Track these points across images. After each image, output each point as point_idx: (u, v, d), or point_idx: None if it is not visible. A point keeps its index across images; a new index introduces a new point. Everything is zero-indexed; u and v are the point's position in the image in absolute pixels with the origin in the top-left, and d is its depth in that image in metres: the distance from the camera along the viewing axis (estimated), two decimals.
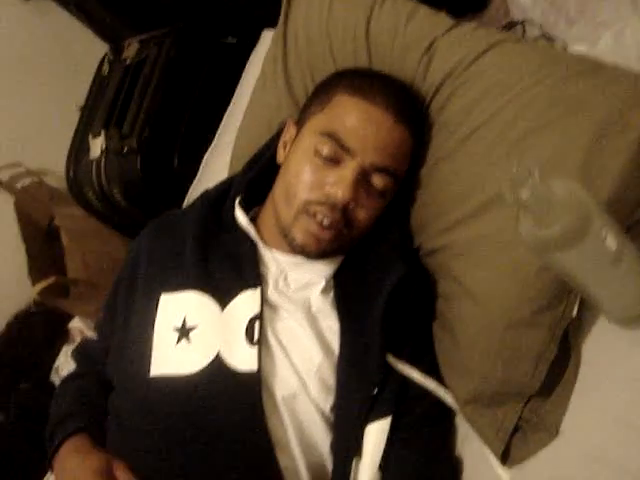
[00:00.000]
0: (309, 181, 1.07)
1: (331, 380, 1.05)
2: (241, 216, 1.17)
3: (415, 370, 1.06)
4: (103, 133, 1.72)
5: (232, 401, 1.01)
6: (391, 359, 1.05)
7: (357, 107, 1.07)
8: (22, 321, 2.20)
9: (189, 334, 1.06)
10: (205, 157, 1.57)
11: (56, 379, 2.08)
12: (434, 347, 1.11)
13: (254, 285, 1.08)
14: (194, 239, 1.16)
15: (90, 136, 1.75)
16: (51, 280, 1.83)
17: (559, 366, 0.95)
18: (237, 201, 1.19)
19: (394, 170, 1.08)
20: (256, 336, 1.03)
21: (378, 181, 1.07)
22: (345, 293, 1.12)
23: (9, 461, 1.95)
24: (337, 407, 1.05)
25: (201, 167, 1.57)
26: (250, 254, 1.13)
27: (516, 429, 0.98)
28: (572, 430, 0.94)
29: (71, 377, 1.31)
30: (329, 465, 1.05)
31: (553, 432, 0.95)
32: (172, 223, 1.25)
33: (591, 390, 0.94)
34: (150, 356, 1.06)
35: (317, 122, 1.10)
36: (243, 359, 1.02)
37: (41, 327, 2.16)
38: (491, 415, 0.99)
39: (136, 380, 1.07)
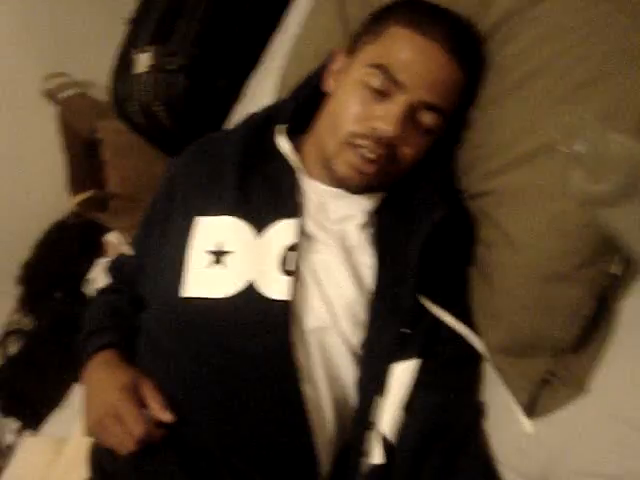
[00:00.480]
0: (356, 113, 1.04)
1: (362, 316, 1.05)
2: (284, 143, 1.15)
3: (447, 313, 1.06)
4: (150, 48, 1.69)
5: (262, 328, 1.01)
6: (424, 300, 1.04)
7: (411, 40, 1.03)
8: (59, 231, 2.23)
9: (223, 259, 1.06)
10: (251, 79, 1.54)
11: (88, 291, 2.12)
12: (469, 293, 1.09)
13: (292, 214, 1.07)
14: (234, 163, 1.14)
15: (136, 50, 1.72)
16: (90, 193, 1.84)
17: (595, 324, 0.93)
18: (281, 128, 1.17)
19: (443, 108, 1.05)
20: (291, 266, 1.03)
21: (426, 118, 1.04)
22: (383, 230, 1.10)
23: (38, 367, 2.01)
24: (366, 344, 1.05)
25: (246, 89, 1.54)
26: (290, 182, 1.12)
27: (544, 382, 0.97)
28: (601, 389, 0.92)
29: (105, 291, 1.32)
30: (353, 400, 1.05)
31: (582, 388, 0.94)
32: (213, 145, 1.24)
33: (625, 351, 0.92)
34: (184, 277, 1.07)
35: (369, 53, 1.07)
36: (276, 288, 1.02)
37: (77, 238, 2.19)
38: (520, 365, 0.99)
39: (168, 300, 1.08)
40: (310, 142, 1.16)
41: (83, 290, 2.14)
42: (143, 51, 1.68)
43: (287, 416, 1.01)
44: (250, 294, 1.02)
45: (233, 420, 1.01)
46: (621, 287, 0.94)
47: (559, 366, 0.96)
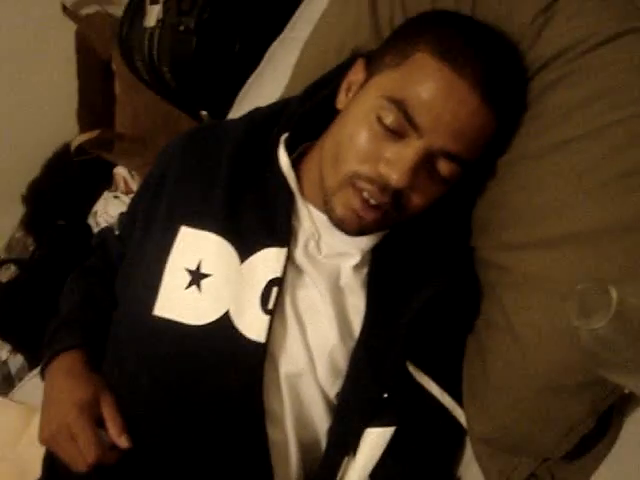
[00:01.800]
0: (363, 150, 0.89)
1: (342, 364, 0.96)
2: (284, 158, 1.01)
3: (434, 383, 0.95)
4: (162, 1, 1.51)
5: (233, 366, 0.93)
6: (411, 367, 0.94)
7: (439, 75, 0.86)
8: (69, 155, 2.12)
9: (201, 282, 0.96)
10: (271, 48, 1.37)
11: (92, 223, 2.05)
12: (461, 366, 0.99)
13: (281, 243, 0.95)
14: (228, 170, 1.01)
15: (148, 1, 1.54)
16: (96, 133, 1.71)
17: (591, 437, 0.83)
18: (283, 138, 1.03)
19: (466, 159, 0.89)
20: (271, 304, 0.92)
21: (444, 167, 0.89)
22: (380, 274, 0.98)
23: (32, 296, 1.96)
24: (342, 397, 0.96)
25: (265, 58, 1.38)
26: (285, 204, 0.99)
27: None
28: None
29: (87, 269, 1.23)
30: (322, 447, 0.98)
31: None
32: (210, 140, 1.09)
33: (620, 470, 0.82)
34: (157, 293, 0.97)
35: (388, 81, 0.90)
36: (253, 325, 0.92)
37: (86, 167, 2.08)
38: (502, 460, 0.89)
39: (138, 314, 0.99)
40: (314, 159, 1.02)
41: (88, 222, 2.06)
42: (155, 2, 1.50)
43: (249, 458, 0.94)
44: (224, 327, 0.93)
45: (191, 453, 0.94)
46: (628, 404, 0.83)
47: (545, 470, 0.87)
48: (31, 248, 2.14)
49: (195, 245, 0.98)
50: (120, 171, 2.05)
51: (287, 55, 1.30)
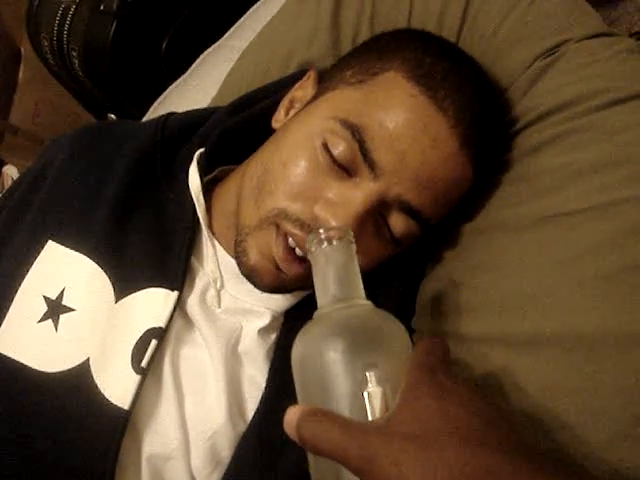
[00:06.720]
0: (298, 183, 0.69)
1: (226, 452, 0.73)
2: (194, 179, 0.80)
3: None
4: None
5: (80, 435, 0.69)
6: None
7: (413, 103, 0.67)
8: None
9: (60, 316, 0.73)
10: (203, 54, 1.16)
11: None
12: None
13: (172, 284, 0.74)
14: (122, 183, 0.79)
15: None
16: None
17: None
18: (196, 154, 0.82)
19: (427, 217, 0.70)
20: (145, 360, 0.70)
21: (398, 223, 0.70)
22: (291, 344, 0.77)
23: None
24: None
25: (194, 64, 1.16)
26: (185, 236, 0.78)
27: None
28: None
29: None
30: None
31: None
32: (106, 141, 0.86)
33: None
34: (2, 322, 0.73)
35: (345, 100, 0.71)
36: (116, 385, 0.70)
37: None
38: None
39: None
40: (231, 187, 0.81)
41: None
42: None
43: None
44: (79, 381, 0.70)
45: None
46: None
47: None
48: None
49: (61, 268, 0.75)
50: (10, 171, 1.78)
51: (221, 64, 1.08)
